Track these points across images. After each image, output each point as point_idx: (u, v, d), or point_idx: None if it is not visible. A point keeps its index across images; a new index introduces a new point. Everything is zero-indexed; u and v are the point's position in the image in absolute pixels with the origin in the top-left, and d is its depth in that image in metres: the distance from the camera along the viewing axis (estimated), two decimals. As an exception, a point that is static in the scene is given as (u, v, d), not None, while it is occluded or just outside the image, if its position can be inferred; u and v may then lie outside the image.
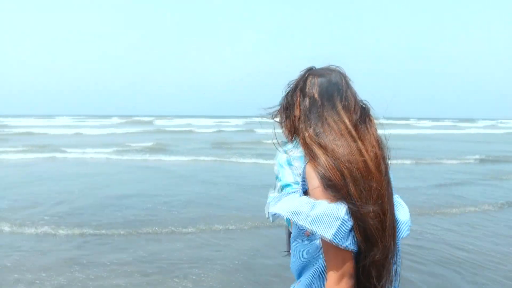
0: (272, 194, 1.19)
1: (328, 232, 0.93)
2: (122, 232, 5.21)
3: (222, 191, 8.05)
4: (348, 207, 0.96)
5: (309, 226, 0.95)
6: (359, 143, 1.02)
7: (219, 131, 32.95)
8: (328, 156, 0.99)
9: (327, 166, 0.98)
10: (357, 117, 1.07)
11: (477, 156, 14.19)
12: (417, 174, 10.73)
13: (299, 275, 1.11)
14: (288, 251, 1.24)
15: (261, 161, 12.70)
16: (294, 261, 1.12)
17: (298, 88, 1.15)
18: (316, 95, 1.10)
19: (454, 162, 13.34)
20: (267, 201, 1.18)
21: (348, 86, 1.12)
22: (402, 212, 1.12)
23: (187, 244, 4.82)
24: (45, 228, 5.30)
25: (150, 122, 47.68)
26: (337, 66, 1.16)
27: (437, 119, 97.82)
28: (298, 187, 1.07)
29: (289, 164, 1.38)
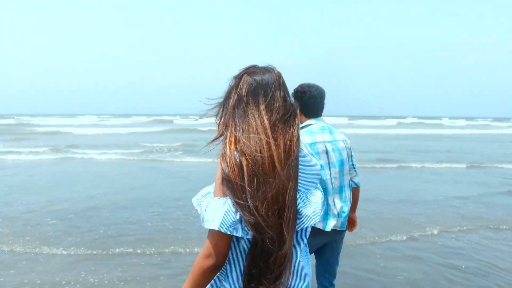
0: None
1: (214, 224, 1.06)
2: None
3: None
4: (236, 201, 1.06)
5: (206, 227, 1.08)
6: (272, 140, 1.09)
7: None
8: (237, 152, 1.10)
9: (229, 162, 1.08)
10: (279, 117, 1.13)
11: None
12: (476, 179, 9.24)
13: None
14: None
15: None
16: None
17: (234, 85, 1.21)
18: (244, 93, 1.16)
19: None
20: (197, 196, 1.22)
21: (279, 87, 1.18)
22: (308, 207, 1.16)
23: None
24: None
25: (171, 121, 46.78)
26: (274, 67, 1.21)
27: (471, 118, 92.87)
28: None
29: None
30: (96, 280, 3.61)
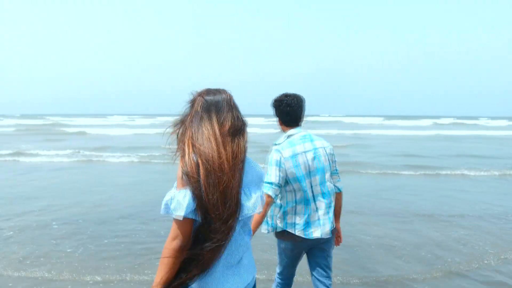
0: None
1: (180, 212, 1.31)
2: None
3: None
4: (193, 192, 1.32)
5: (175, 215, 1.33)
6: (221, 147, 1.37)
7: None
8: (194, 154, 1.37)
9: (188, 161, 1.35)
10: (229, 130, 1.42)
11: None
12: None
13: None
14: None
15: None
16: None
17: (191, 105, 1.52)
18: (199, 109, 1.46)
19: None
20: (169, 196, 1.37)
21: (229, 106, 1.47)
22: (249, 201, 1.44)
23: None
24: None
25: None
26: (225, 90, 1.52)
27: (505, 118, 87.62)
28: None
29: (279, 165, 2.16)
30: None
